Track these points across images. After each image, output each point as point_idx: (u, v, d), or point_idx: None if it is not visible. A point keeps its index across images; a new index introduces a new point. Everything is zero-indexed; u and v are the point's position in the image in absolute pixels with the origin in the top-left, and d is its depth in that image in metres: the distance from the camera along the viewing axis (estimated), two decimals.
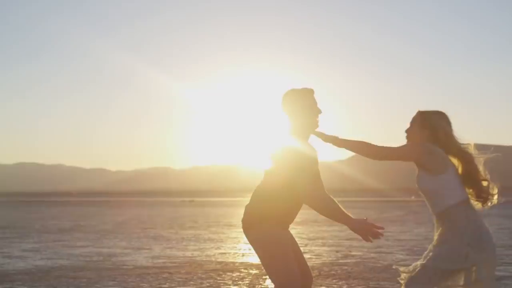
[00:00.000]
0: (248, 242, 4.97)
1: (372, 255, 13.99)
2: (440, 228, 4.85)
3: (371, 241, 4.76)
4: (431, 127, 4.95)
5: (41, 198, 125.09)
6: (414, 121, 5.02)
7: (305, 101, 4.93)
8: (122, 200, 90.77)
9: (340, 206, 4.74)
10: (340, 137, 5.00)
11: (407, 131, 5.04)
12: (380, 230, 4.70)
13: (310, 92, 4.98)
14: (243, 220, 4.93)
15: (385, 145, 4.94)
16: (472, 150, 5.00)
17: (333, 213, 4.72)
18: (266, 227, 4.78)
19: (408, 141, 5.02)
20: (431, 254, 4.78)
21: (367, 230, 4.66)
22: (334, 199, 4.80)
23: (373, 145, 4.92)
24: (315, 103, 4.97)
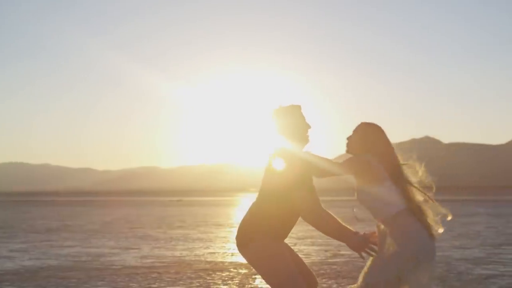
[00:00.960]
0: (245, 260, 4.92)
1: None
2: (381, 238, 4.91)
3: (364, 258, 4.78)
4: (372, 140, 5.00)
5: (28, 197, 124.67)
6: (356, 131, 5.07)
7: (293, 118, 4.94)
8: (109, 200, 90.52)
9: (338, 221, 4.71)
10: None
11: (348, 138, 5.09)
12: (374, 247, 4.72)
13: (298, 108, 4.99)
14: (237, 238, 4.89)
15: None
16: (410, 167, 5.06)
17: (332, 232, 4.70)
18: (261, 244, 4.74)
19: (347, 149, 5.08)
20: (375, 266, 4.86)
21: (364, 249, 4.68)
22: (332, 214, 4.77)
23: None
24: (303, 118, 4.98)
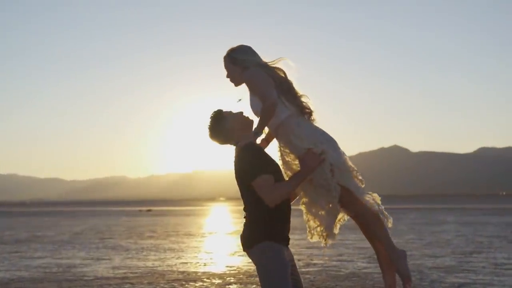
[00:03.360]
0: (250, 259, 4.91)
1: (334, 263, 14.04)
2: None
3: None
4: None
5: None
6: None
7: (235, 120, 5.03)
8: (77, 210, 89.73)
9: (289, 179, 4.95)
10: None
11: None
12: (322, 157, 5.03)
13: (237, 113, 5.10)
14: (241, 239, 4.90)
15: None
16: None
17: (294, 187, 4.91)
18: (268, 245, 4.75)
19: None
20: None
21: (318, 162, 4.95)
22: (283, 182, 4.94)
23: None
24: (242, 115, 5.07)
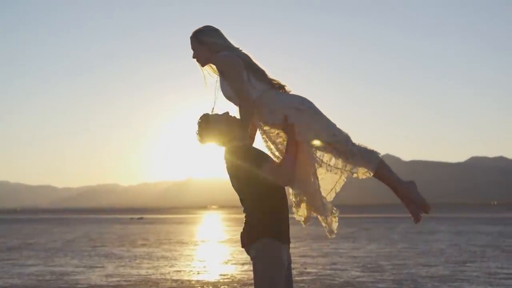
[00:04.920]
0: (248, 256, 4.88)
1: (328, 272, 14.02)
2: None
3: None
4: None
5: None
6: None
7: (227, 122, 5.06)
8: (69, 218, 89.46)
9: (287, 150, 5.00)
10: None
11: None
12: None
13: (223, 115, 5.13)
14: (241, 237, 4.88)
15: None
16: None
17: (292, 156, 4.93)
18: (270, 241, 4.74)
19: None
20: None
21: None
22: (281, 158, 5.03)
23: None
24: (228, 116, 5.11)
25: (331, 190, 5.43)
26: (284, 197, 4.96)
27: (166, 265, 16.07)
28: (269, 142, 5.37)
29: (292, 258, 4.86)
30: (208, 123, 5.07)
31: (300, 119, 5.02)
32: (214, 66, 5.35)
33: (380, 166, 5.21)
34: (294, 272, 13.86)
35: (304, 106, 5.10)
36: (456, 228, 36.50)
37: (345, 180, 5.44)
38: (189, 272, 14.49)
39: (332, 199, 5.40)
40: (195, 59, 5.38)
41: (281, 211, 4.89)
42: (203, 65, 5.36)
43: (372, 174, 5.15)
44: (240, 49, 5.34)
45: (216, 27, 5.37)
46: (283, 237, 4.83)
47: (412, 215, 5.11)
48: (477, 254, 18.20)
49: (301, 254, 17.65)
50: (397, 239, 25.95)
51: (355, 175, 5.22)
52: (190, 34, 5.34)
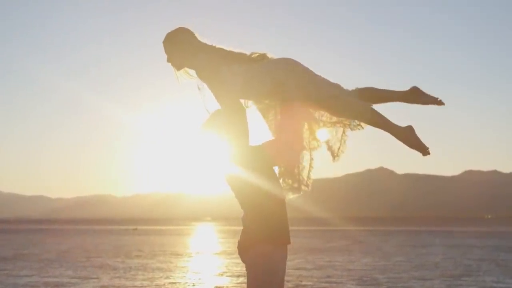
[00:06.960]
0: (243, 262, 4.81)
1: (323, 285, 14.01)
2: None
3: None
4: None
5: None
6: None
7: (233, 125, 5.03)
8: (63, 228, 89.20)
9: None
10: None
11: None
12: None
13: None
14: (239, 243, 4.81)
15: None
16: None
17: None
18: (260, 251, 4.68)
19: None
20: None
21: None
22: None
23: None
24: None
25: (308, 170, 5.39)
26: (283, 201, 4.93)
27: (161, 277, 16.04)
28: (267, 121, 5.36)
29: (287, 270, 4.79)
30: (219, 116, 5.03)
31: (289, 79, 4.99)
32: (190, 71, 5.35)
33: (373, 114, 5.21)
34: (289, 285, 13.87)
35: (291, 66, 5.08)
36: (451, 242, 36.52)
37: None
38: (184, 284, 14.47)
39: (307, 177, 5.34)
40: (169, 63, 5.39)
41: (280, 215, 4.86)
42: (178, 69, 5.36)
43: (368, 123, 5.17)
44: (214, 45, 5.34)
45: (188, 27, 5.36)
46: (280, 241, 4.78)
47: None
48: (473, 268, 18.21)
49: (296, 267, 17.63)
50: (392, 252, 25.95)
51: (351, 127, 5.23)
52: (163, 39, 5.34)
